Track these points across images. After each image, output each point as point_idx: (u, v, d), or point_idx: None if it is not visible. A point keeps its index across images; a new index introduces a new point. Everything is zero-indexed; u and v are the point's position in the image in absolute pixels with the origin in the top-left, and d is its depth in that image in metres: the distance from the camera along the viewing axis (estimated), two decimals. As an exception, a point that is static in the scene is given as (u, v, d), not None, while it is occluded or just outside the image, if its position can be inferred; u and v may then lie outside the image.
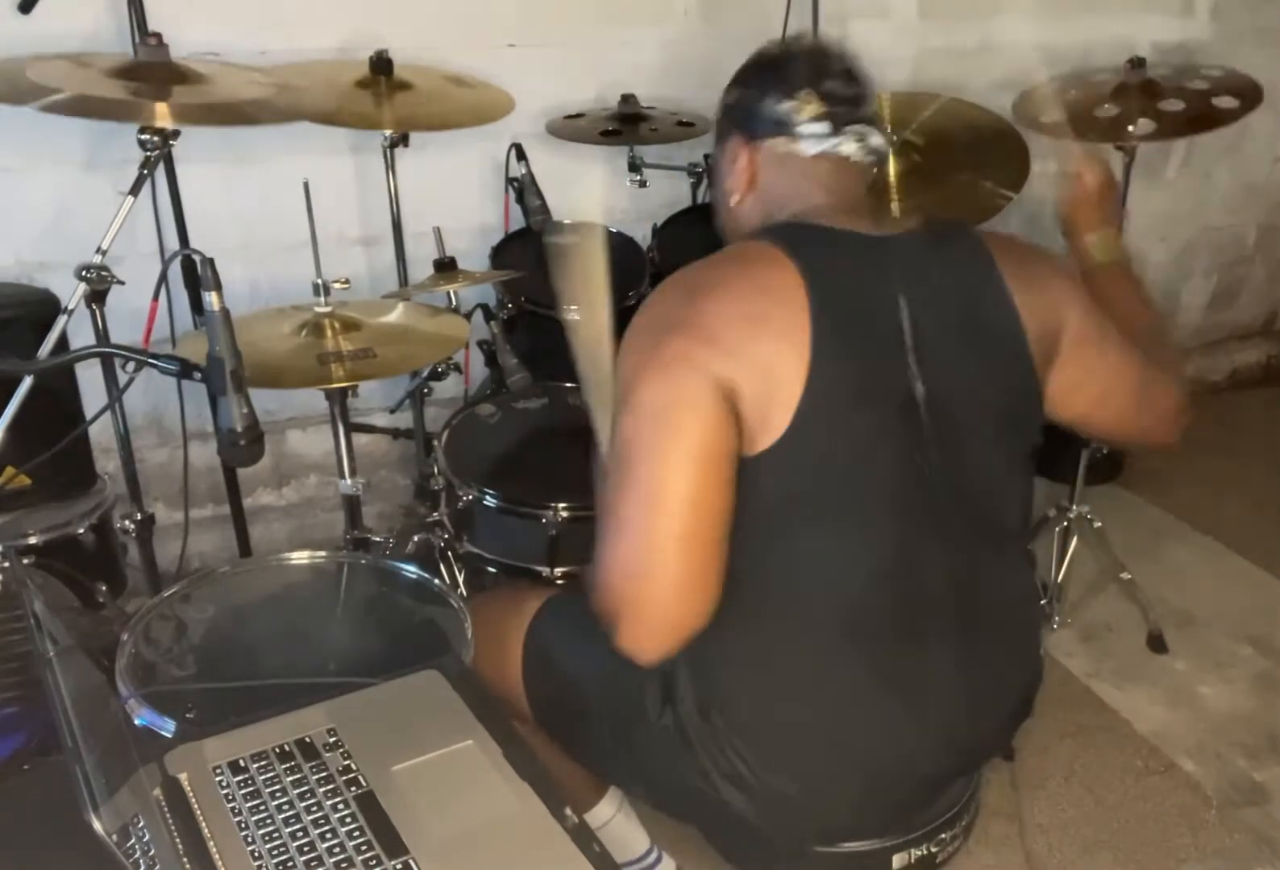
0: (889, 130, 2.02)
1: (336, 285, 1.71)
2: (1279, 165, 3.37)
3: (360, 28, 2.19)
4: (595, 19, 2.41)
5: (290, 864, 0.96)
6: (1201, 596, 2.50)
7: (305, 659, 1.39)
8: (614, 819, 1.59)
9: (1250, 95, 2.10)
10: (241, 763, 1.08)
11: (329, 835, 0.99)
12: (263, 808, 1.02)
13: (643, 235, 2.45)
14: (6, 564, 1.56)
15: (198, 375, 1.19)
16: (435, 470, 1.91)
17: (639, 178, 2.43)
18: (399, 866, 0.95)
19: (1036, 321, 1.22)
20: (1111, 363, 1.30)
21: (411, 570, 1.58)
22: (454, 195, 2.42)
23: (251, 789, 1.05)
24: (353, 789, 1.04)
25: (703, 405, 1.08)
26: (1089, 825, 1.90)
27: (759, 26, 2.46)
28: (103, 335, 1.74)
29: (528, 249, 2.33)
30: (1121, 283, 1.47)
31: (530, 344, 2.15)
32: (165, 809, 1.01)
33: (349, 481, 1.80)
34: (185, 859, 0.95)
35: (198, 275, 1.20)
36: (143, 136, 1.65)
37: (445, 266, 1.99)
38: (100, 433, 2.08)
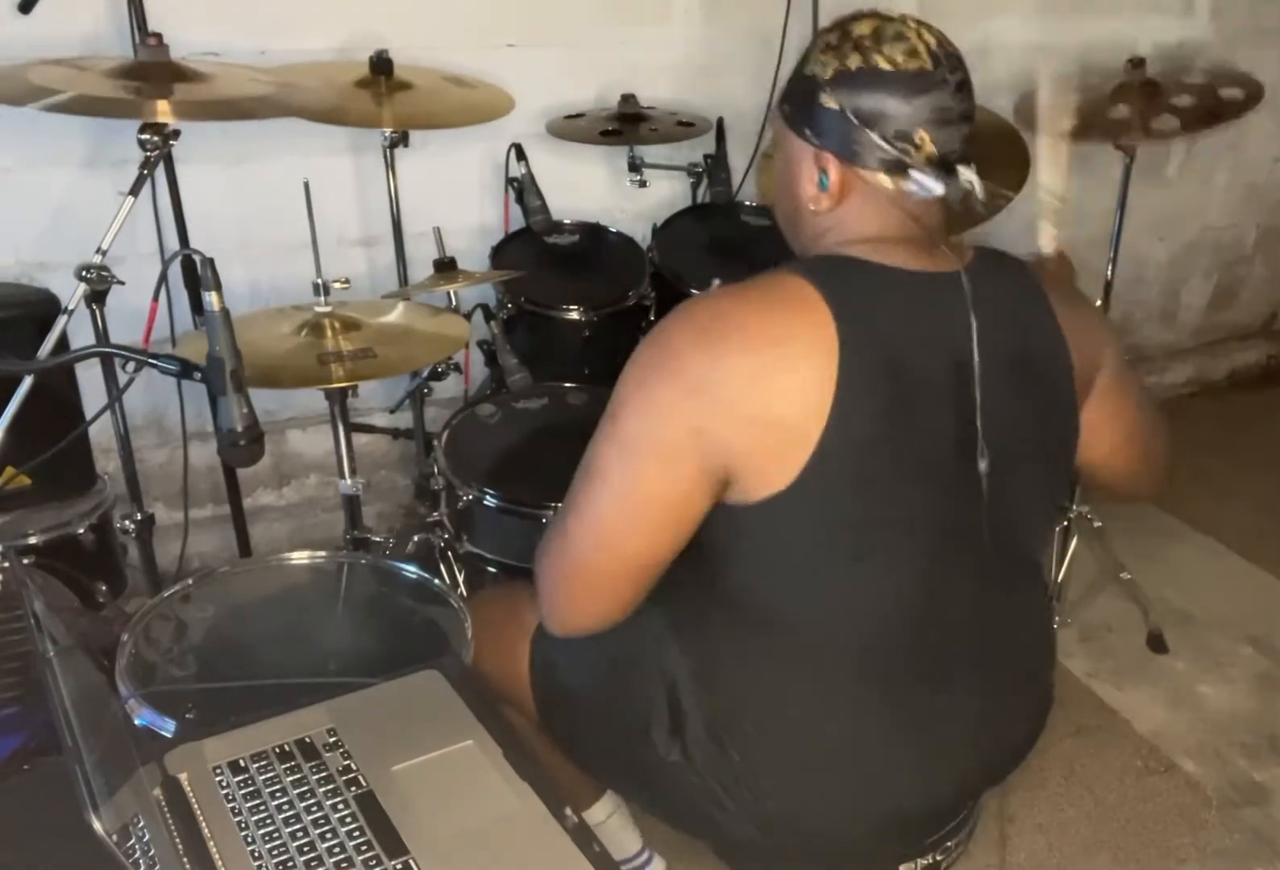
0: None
1: (336, 285, 1.71)
2: (1279, 165, 3.37)
3: (360, 28, 2.19)
4: (595, 19, 2.41)
5: (290, 864, 0.96)
6: (1201, 596, 2.50)
7: (305, 659, 1.39)
8: (609, 819, 1.59)
9: (1251, 88, 2.11)
10: (241, 763, 1.08)
11: (329, 835, 0.99)
12: (263, 808, 1.02)
13: (643, 235, 2.45)
14: (6, 564, 1.56)
15: (198, 375, 1.19)
16: (435, 470, 1.91)
17: (639, 178, 2.43)
18: (399, 866, 0.95)
19: (1080, 360, 1.20)
20: (1133, 412, 1.30)
21: (411, 570, 1.58)
22: (454, 195, 2.42)
23: (251, 789, 1.05)
24: (353, 789, 1.04)
25: (671, 455, 1.07)
26: (1089, 825, 1.90)
27: (759, 26, 2.47)
28: (103, 335, 1.74)
29: (528, 249, 2.34)
30: None
31: (530, 344, 2.15)
32: (165, 809, 1.01)
33: (349, 481, 1.80)
34: (185, 859, 0.95)
35: (198, 275, 1.20)
36: (143, 136, 1.66)
37: (445, 266, 1.99)
38: (100, 433, 2.08)
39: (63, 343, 1.69)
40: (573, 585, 1.16)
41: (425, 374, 1.96)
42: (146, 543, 1.98)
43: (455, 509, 1.87)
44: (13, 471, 1.68)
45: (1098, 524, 2.41)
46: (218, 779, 1.06)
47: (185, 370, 1.19)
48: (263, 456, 1.24)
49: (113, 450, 1.98)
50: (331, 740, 1.11)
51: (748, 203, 2.50)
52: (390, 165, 2.15)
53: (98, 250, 1.66)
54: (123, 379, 1.57)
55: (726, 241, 2.43)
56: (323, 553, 1.62)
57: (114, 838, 0.87)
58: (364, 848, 0.97)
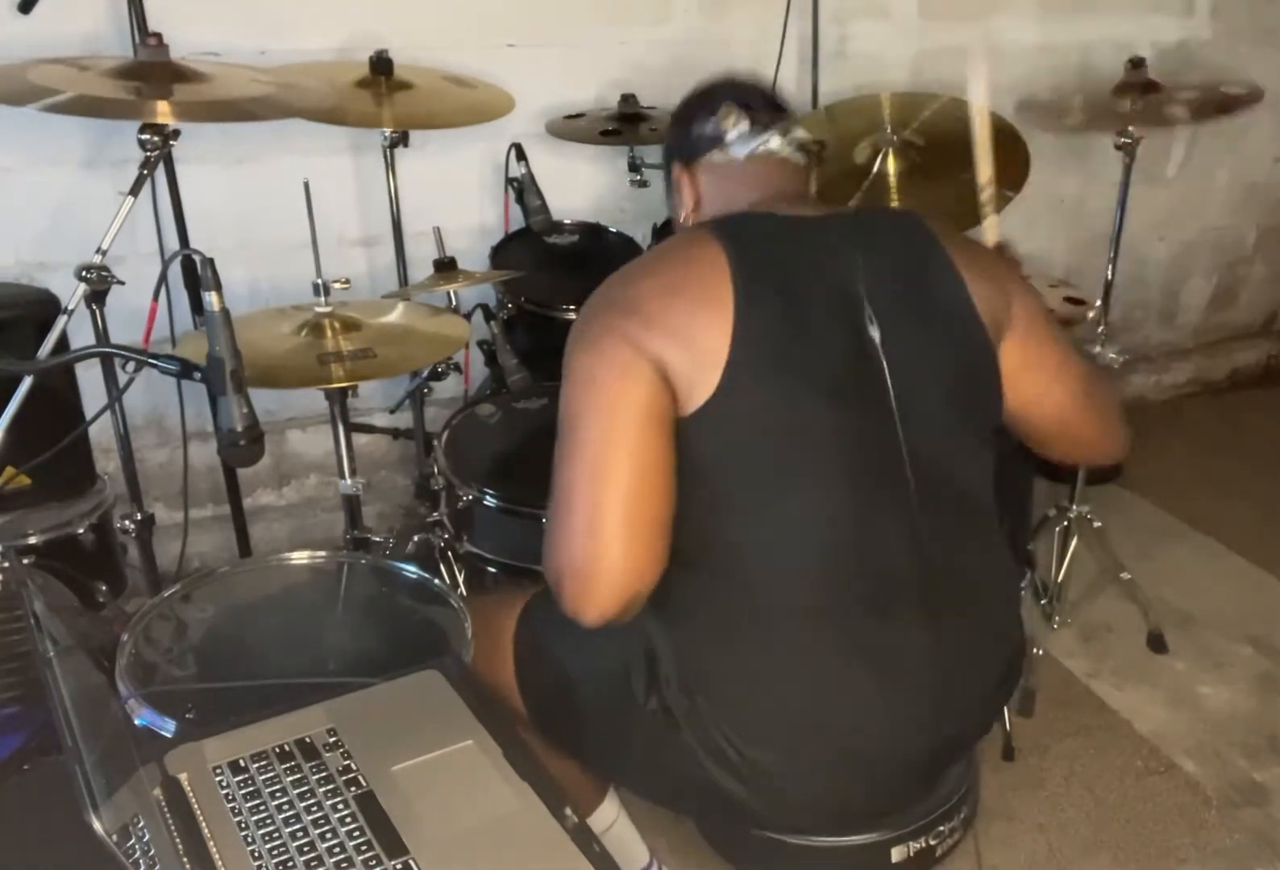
0: (889, 131, 2.02)
1: (336, 285, 1.71)
2: (1279, 165, 3.37)
3: (360, 28, 2.19)
4: (595, 19, 2.41)
5: (290, 864, 0.96)
6: (1201, 596, 2.50)
7: (305, 659, 1.39)
8: (614, 825, 1.58)
9: (1251, 87, 2.14)
10: (241, 763, 1.08)
11: (329, 835, 0.99)
12: (263, 808, 1.02)
13: (643, 235, 2.45)
14: (6, 564, 1.56)
15: (198, 375, 1.19)
16: (435, 470, 1.91)
17: (639, 178, 2.43)
18: (399, 866, 0.95)
19: (985, 302, 1.25)
20: (1056, 358, 1.33)
21: (411, 570, 1.58)
22: (454, 195, 2.42)
23: (251, 789, 1.05)
24: (353, 789, 1.04)
25: (632, 369, 1.15)
26: (1089, 825, 1.90)
27: (759, 26, 2.47)
28: (103, 335, 1.74)
29: (528, 249, 2.34)
30: None
31: (530, 344, 2.15)
32: (165, 809, 1.01)
33: (349, 481, 1.80)
34: (185, 859, 0.95)
35: (198, 275, 1.20)
36: (143, 136, 1.65)
37: (445, 266, 1.99)
38: (100, 433, 2.08)
39: (63, 343, 1.69)
40: (600, 562, 1.15)
41: (425, 374, 1.95)
42: (146, 543, 1.98)
43: (455, 509, 1.87)
44: (13, 471, 1.68)
45: (1098, 524, 2.41)
46: (218, 779, 1.06)
47: (185, 370, 1.19)
48: (263, 456, 1.24)
49: (113, 450, 1.98)
50: (331, 740, 1.11)
51: (748, 203, 2.50)
52: (390, 165, 2.15)
53: (98, 250, 1.66)
54: (123, 379, 1.57)
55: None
56: (323, 553, 1.62)
57: (114, 838, 0.87)
58: (364, 848, 0.97)
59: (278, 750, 1.10)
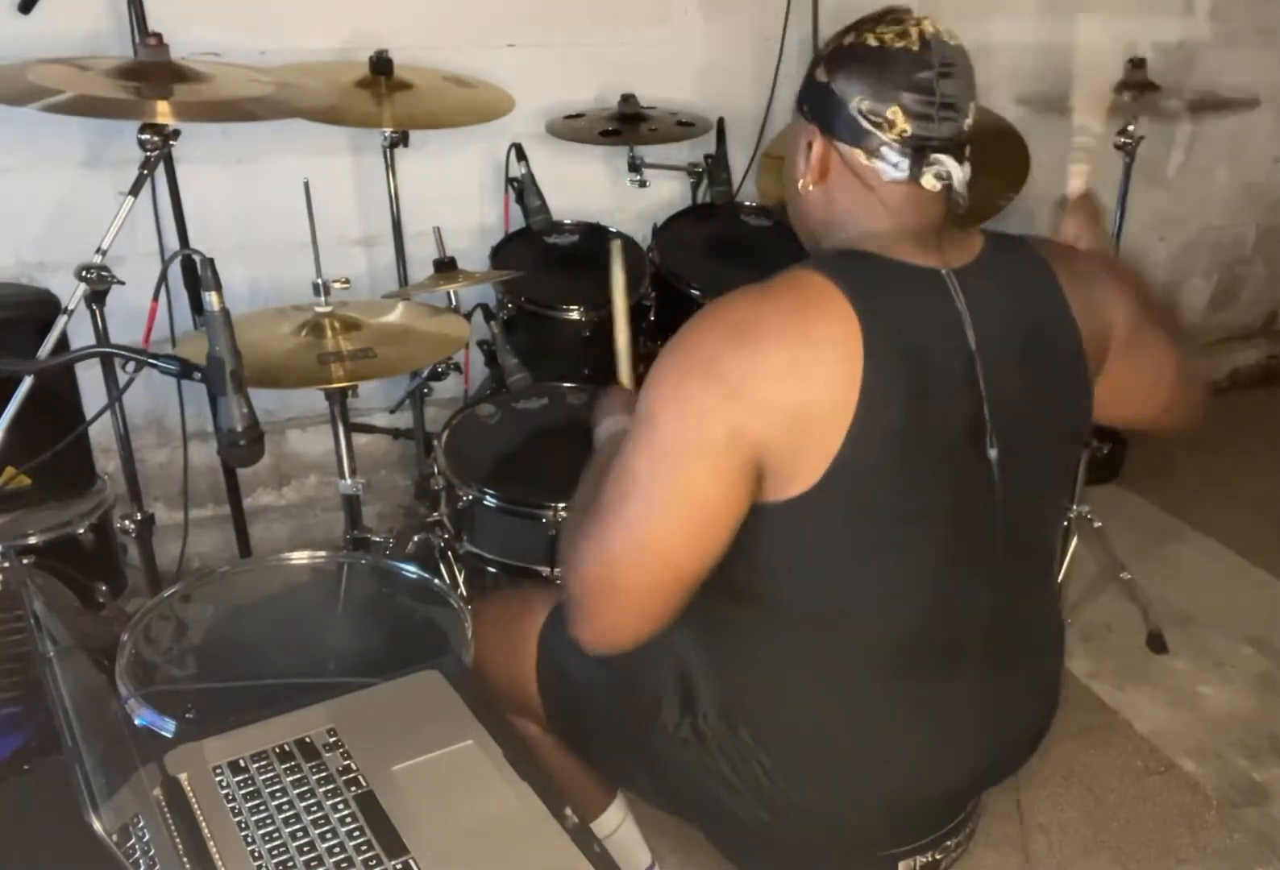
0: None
1: (336, 285, 1.71)
2: (1279, 165, 3.37)
3: (360, 28, 2.19)
4: (595, 19, 2.41)
5: (290, 864, 0.96)
6: (1201, 596, 2.50)
7: (305, 659, 1.39)
8: (619, 829, 1.58)
9: (1251, 86, 2.15)
10: (241, 763, 1.08)
11: (329, 835, 0.99)
12: (263, 808, 1.02)
13: (643, 235, 2.45)
14: (6, 564, 1.56)
15: (198, 375, 1.19)
16: (435, 470, 1.91)
17: (639, 178, 2.43)
18: (399, 866, 0.95)
19: (1090, 327, 1.19)
20: (1155, 360, 1.29)
21: (411, 570, 1.58)
22: (454, 195, 2.42)
23: (251, 789, 1.05)
24: (353, 789, 1.04)
25: (712, 457, 1.05)
26: (1089, 825, 1.90)
27: (759, 26, 2.47)
28: (103, 335, 1.74)
29: (528, 249, 2.34)
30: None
31: (530, 344, 2.15)
32: (165, 809, 1.01)
33: (349, 481, 1.80)
34: (185, 859, 0.95)
35: (198, 275, 1.20)
36: (143, 136, 1.66)
37: (445, 266, 1.99)
38: (100, 433, 2.08)
39: (63, 343, 1.69)
40: (618, 600, 1.10)
41: (425, 374, 1.96)
42: (146, 543, 1.98)
43: (455, 509, 1.87)
44: (13, 471, 1.68)
45: (1098, 524, 2.41)
46: (218, 779, 1.06)
47: (185, 370, 1.19)
48: (263, 456, 1.24)
49: (113, 450, 1.98)
50: (331, 740, 1.11)
51: (748, 203, 2.50)
52: (390, 165, 2.15)
53: (98, 250, 1.66)
54: (123, 379, 1.57)
55: (727, 241, 2.43)
56: (323, 553, 1.62)
57: (114, 838, 0.87)
58: (364, 848, 0.97)
59: (278, 750, 1.10)
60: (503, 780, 1.05)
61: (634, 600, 1.10)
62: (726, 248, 2.41)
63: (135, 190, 1.67)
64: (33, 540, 1.88)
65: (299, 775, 1.06)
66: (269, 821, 1.01)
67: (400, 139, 2.10)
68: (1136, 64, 2.17)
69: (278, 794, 1.04)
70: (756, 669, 1.20)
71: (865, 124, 1.10)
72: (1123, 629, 2.39)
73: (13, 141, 2.04)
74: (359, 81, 2.06)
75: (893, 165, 1.11)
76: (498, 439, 1.97)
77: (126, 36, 1.99)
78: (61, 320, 1.65)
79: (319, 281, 1.70)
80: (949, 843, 1.31)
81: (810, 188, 1.17)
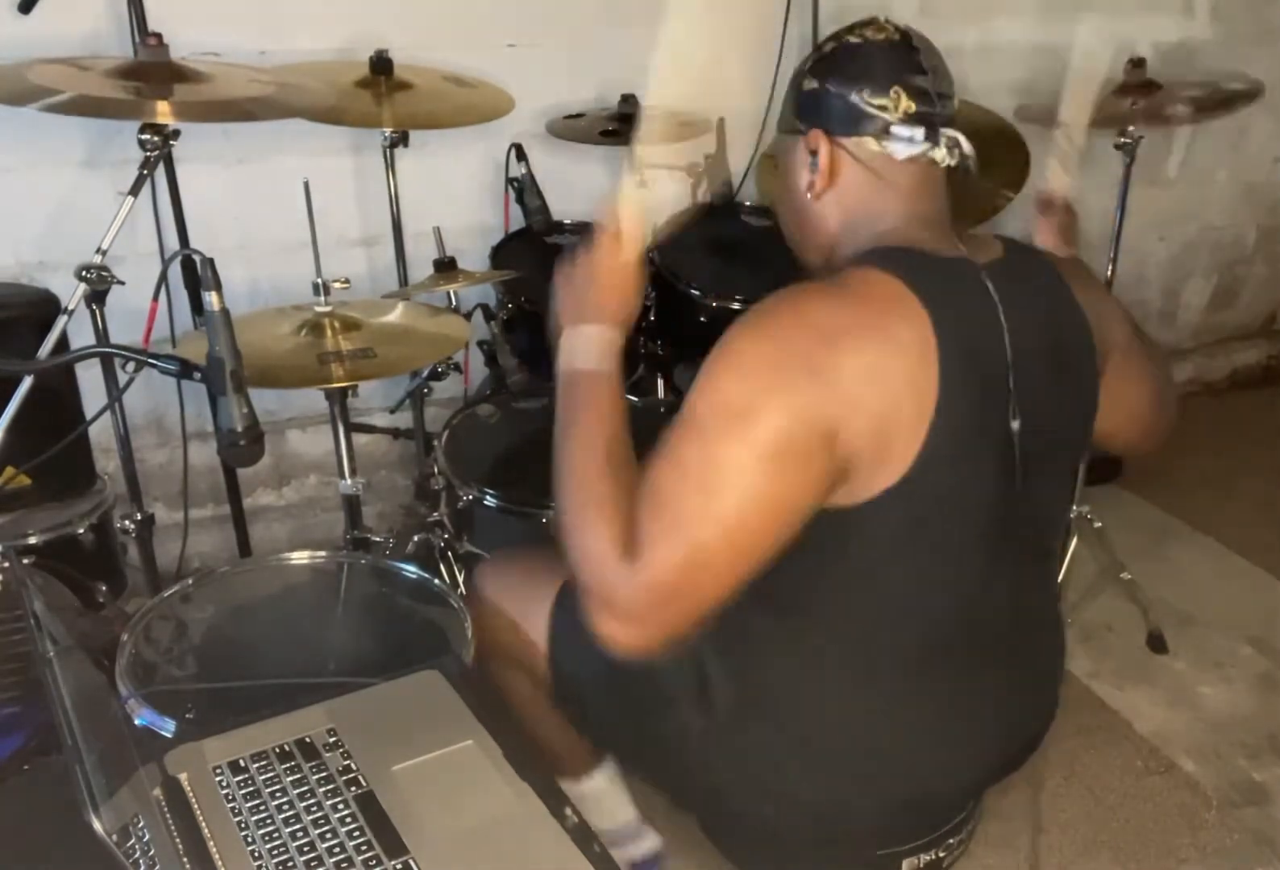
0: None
1: (336, 285, 1.71)
2: (1279, 165, 3.37)
3: (360, 28, 2.19)
4: (595, 19, 2.41)
5: (290, 864, 0.96)
6: (1201, 596, 2.50)
7: (305, 659, 1.39)
8: (604, 788, 1.57)
9: (1251, 85, 2.15)
10: (241, 763, 1.08)
11: (329, 835, 0.99)
12: (263, 808, 1.02)
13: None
14: (6, 564, 1.56)
15: (198, 375, 1.19)
16: (435, 470, 1.91)
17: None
18: (399, 866, 0.96)
19: (1099, 339, 1.21)
20: (1142, 376, 1.31)
21: (411, 570, 1.58)
22: (454, 195, 2.42)
23: (251, 789, 1.05)
24: (353, 789, 1.04)
25: (809, 461, 1.02)
26: (1089, 825, 1.90)
27: (759, 26, 2.47)
28: (103, 335, 1.74)
29: (528, 249, 2.33)
30: None
31: (530, 344, 2.15)
32: (165, 809, 1.01)
33: (349, 481, 1.80)
34: (185, 859, 0.95)
35: (198, 275, 1.20)
36: (143, 136, 1.66)
37: (445, 266, 1.99)
38: (100, 433, 2.08)
39: (63, 343, 1.69)
40: (681, 604, 1.03)
41: (425, 374, 1.96)
42: (146, 543, 1.98)
43: (455, 509, 1.87)
44: (13, 471, 1.68)
45: (1098, 524, 2.41)
46: (218, 779, 1.06)
47: (185, 370, 1.19)
48: (263, 456, 1.24)
49: (113, 450, 1.98)
50: (331, 740, 1.11)
51: (748, 203, 2.51)
52: (390, 165, 2.15)
53: (98, 250, 1.66)
54: (123, 379, 1.57)
55: (726, 241, 2.43)
56: (323, 553, 1.63)
57: (114, 838, 0.87)
58: (364, 848, 0.97)
59: (278, 750, 1.10)
60: (503, 780, 1.05)
61: (700, 605, 1.04)
62: (726, 247, 2.40)
63: (135, 190, 1.67)
64: (33, 540, 1.88)
65: (299, 775, 1.06)
66: (269, 821, 1.01)
67: (400, 139, 2.10)
68: (1136, 64, 2.17)
69: (278, 794, 1.04)
70: (777, 667, 1.19)
71: (871, 109, 1.12)
72: (1123, 629, 2.39)
73: (13, 141, 2.04)
74: (359, 81, 2.06)
75: (907, 139, 1.12)
76: (498, 439, 1.97)
77: (126, 36, 1.99)
78: (61, 320, 1.65)
79: (319, 281, 1.70)
80: (951, 841, 1.31)
81: (820, 196, 1.17)
